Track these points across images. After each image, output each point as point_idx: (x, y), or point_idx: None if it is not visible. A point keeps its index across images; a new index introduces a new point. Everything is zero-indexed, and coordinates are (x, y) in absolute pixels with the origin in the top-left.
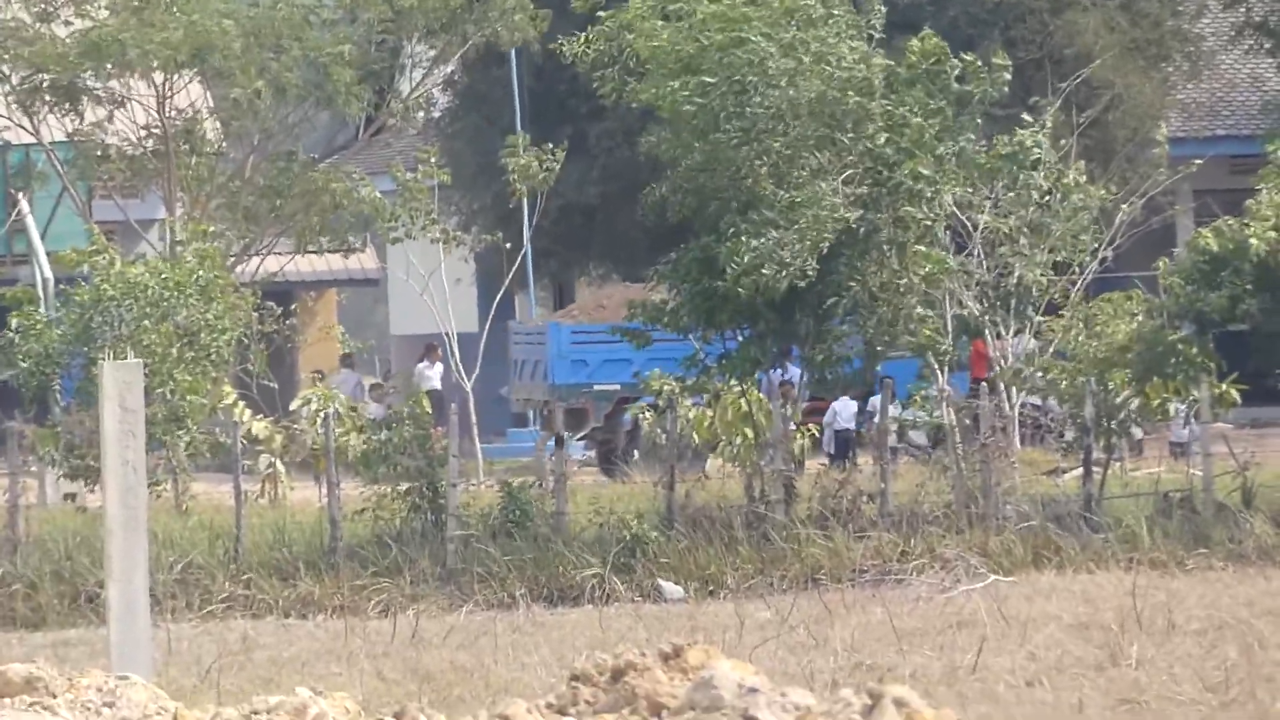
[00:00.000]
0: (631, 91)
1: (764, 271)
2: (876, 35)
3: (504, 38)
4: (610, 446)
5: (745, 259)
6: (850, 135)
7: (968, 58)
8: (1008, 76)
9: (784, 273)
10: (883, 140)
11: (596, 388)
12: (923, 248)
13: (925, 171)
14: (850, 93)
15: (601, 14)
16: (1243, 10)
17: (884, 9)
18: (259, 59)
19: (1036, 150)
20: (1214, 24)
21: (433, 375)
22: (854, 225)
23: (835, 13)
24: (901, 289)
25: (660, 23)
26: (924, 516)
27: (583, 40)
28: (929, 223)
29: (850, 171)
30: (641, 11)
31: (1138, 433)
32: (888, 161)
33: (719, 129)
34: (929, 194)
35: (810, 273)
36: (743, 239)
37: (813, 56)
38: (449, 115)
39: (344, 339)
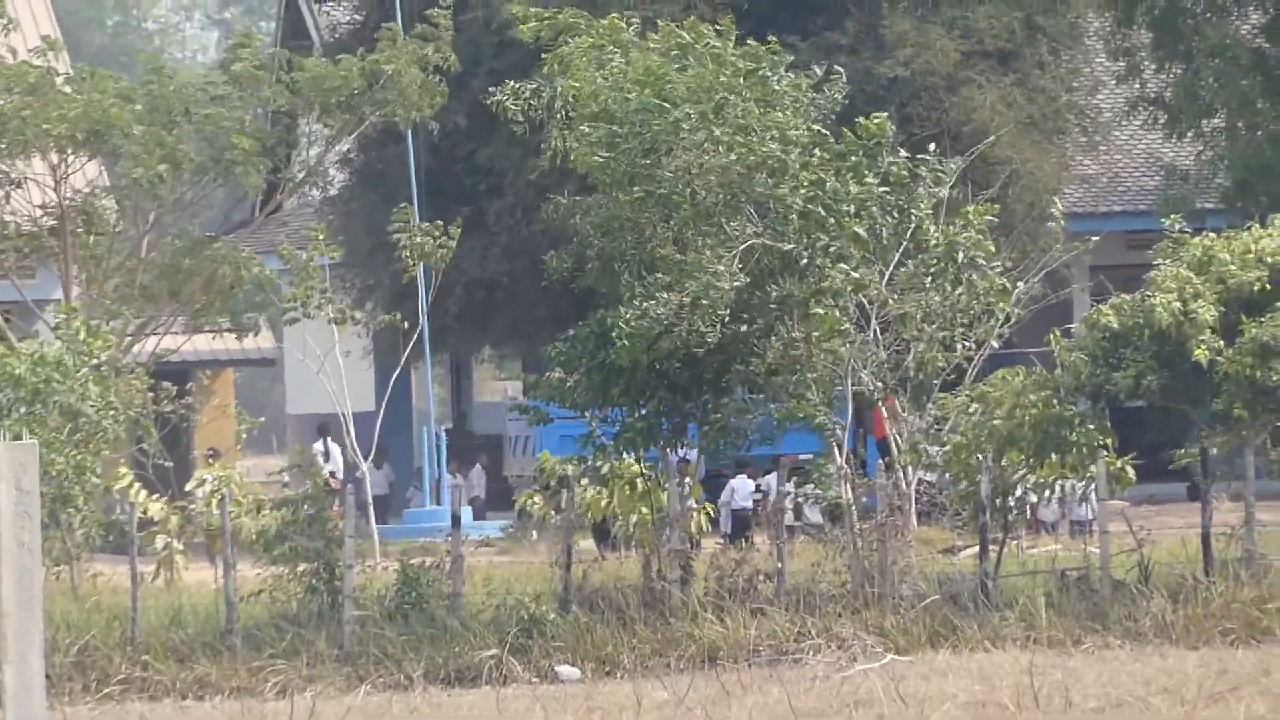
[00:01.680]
0: (554, 138)
1: (646, 325)
2: (829, 113)
3: (401, 116)
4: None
5: (633, 322)
6: (755, 209)
7: (905, 153)
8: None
9: (673, 334)
10: (795, 215)
11: None
12: (822, 310)
13: (832, 246)
14: (763, 171)
15: (545, 54)
16: (1137, 85)
17: (846, 85)
18: (156, 136)
19: (932, 229)
20: (1109, 99)
21: (330, 455)
22: (749, 296)
23: (781, 87)
24: (799, 363)
25: (597, 73)
26: (821, 596)
27: (510, 89)
28: (830, 299)
29: (753, 242)
30: (579, 58)
31: (1052, 513)
32: (795, 235)
33: (627, 189)
34: (833, 272)
35: (710, 340)
36: (636, 301)
37: (733, 128)
38: (346, 193)
39: (241, 416)
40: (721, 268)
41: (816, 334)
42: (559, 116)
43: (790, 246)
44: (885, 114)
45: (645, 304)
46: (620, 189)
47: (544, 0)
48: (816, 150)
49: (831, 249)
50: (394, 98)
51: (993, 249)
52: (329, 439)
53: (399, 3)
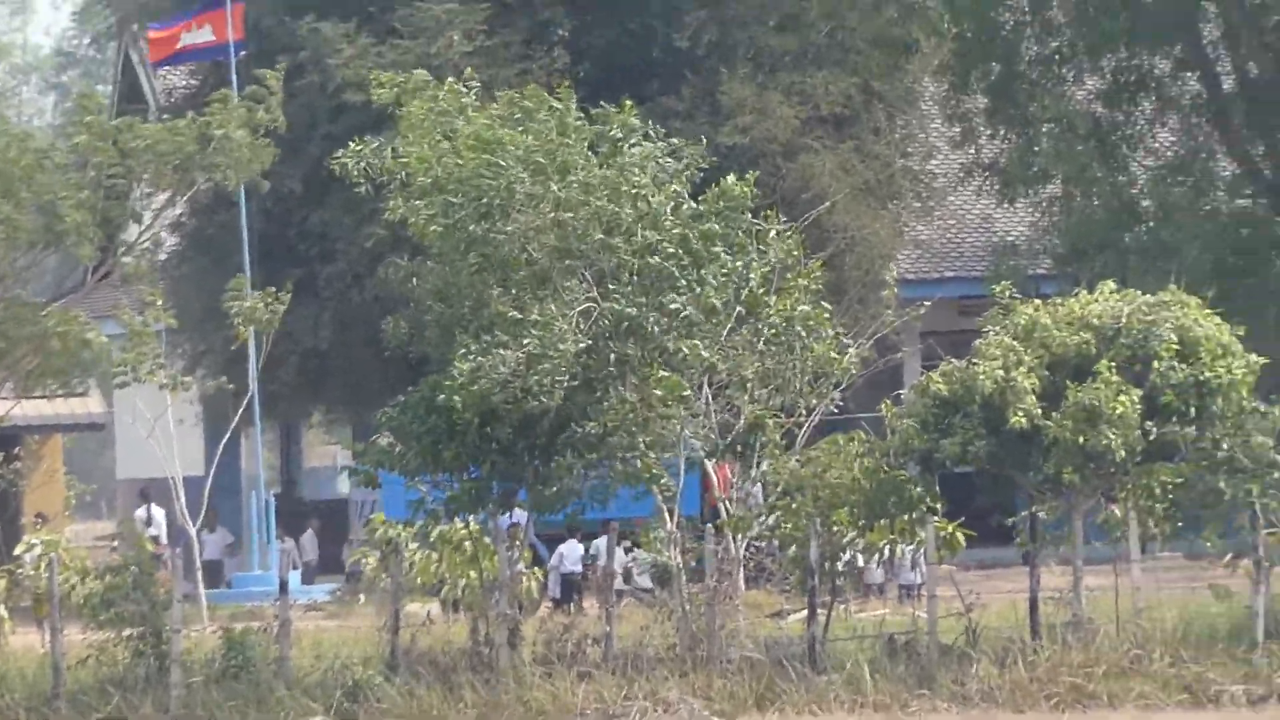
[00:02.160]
0: (390, 210)
1: (482, 384)
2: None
3: (231, 178)
4: None
5: (467, 378)
6: (591, 271)
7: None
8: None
9: (508, 389)
10: (628, 275)
11: None
12: (666, 373)
13: (683, 311)
14: (595, 229)
15: (386, 117)
16: (972, 150)
17: (704, 151)
18: None
19: (769, 298)
20: (944, 164)
21: (153, 520)
22: (586, 358)
23: (629, 151)
24: (635, 427)
25: (439, 138)
26: (649, 659)
27: (353, 151)
28: (672, 364)
29: (588, 306)
30: (419, 122)
31: (878, 575)
32: (634, 298)
33: (464, 256)
34: (680, 343)
35: (550, 402)
36: (470, 358)
37: (579, 187)
38: (177, 258)
39: (70, 482)
40: (565, 325)
41: (657, 396)
42: (398, 181)
43: (633, 311)
44: (751, 175)
45: (480, 359)
46: (458, 255)
47: (384, 68)
48: (669, 212)
49: (682, 314)
50: (223, 160)
51: (827, 317)
52: (152, 505)
53: (234, 67)
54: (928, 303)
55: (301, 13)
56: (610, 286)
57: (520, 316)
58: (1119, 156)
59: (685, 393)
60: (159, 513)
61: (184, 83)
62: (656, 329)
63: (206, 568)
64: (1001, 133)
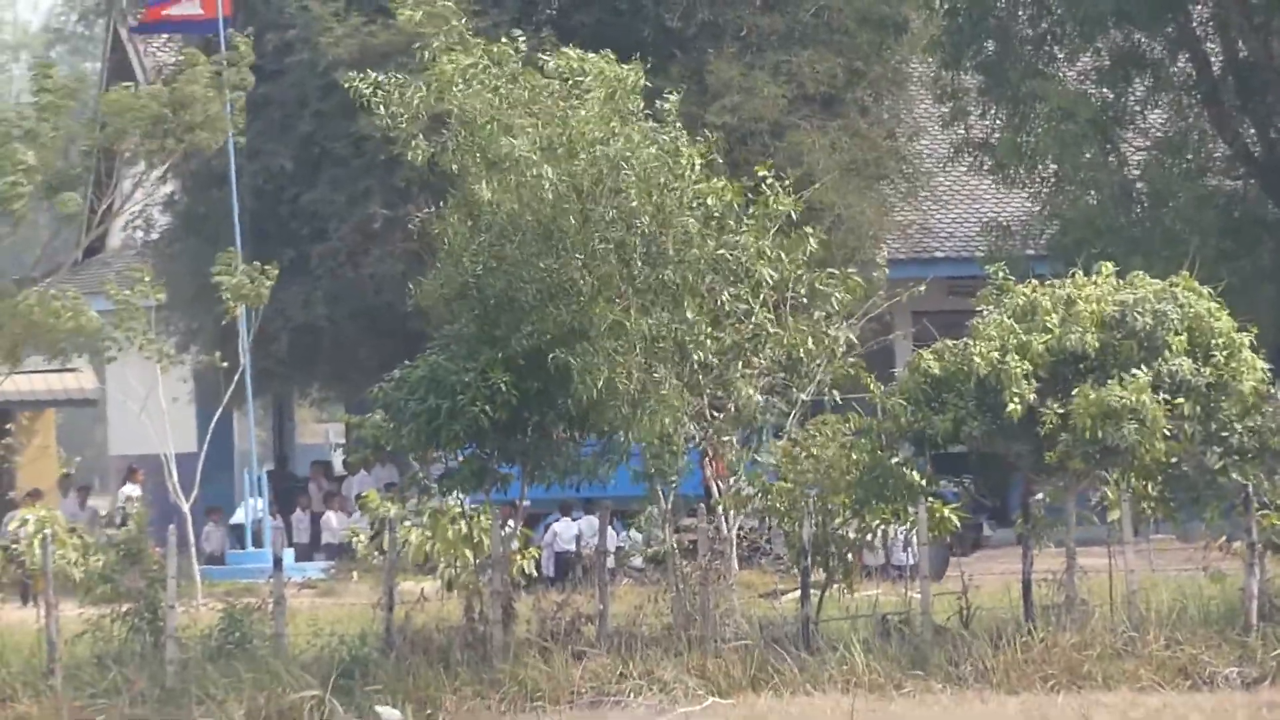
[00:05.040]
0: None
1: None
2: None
3: (205, 142)
4: None
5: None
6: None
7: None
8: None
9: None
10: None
11: None
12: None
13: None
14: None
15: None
16: (962, 129)
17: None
18: None
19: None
20: (933, 144)
21: (135, 497)
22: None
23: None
24: (639, 404)
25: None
26: (643, 638)
27: (371, 82)
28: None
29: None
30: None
31: (878, 557)
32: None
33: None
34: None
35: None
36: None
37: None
38: (168, 236)
39: (63, 459)
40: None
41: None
42: (420, 118)
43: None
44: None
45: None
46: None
47: (374, 47)
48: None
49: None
50: (192, 120)
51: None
52: (137, 484)
53: (224, 43)
54: (924, 283)
55: None
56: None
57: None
58: (1111, 137)
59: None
60: (138, 491)
61: (173, 59)
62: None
63: (209, 559)
64: (993, 111)
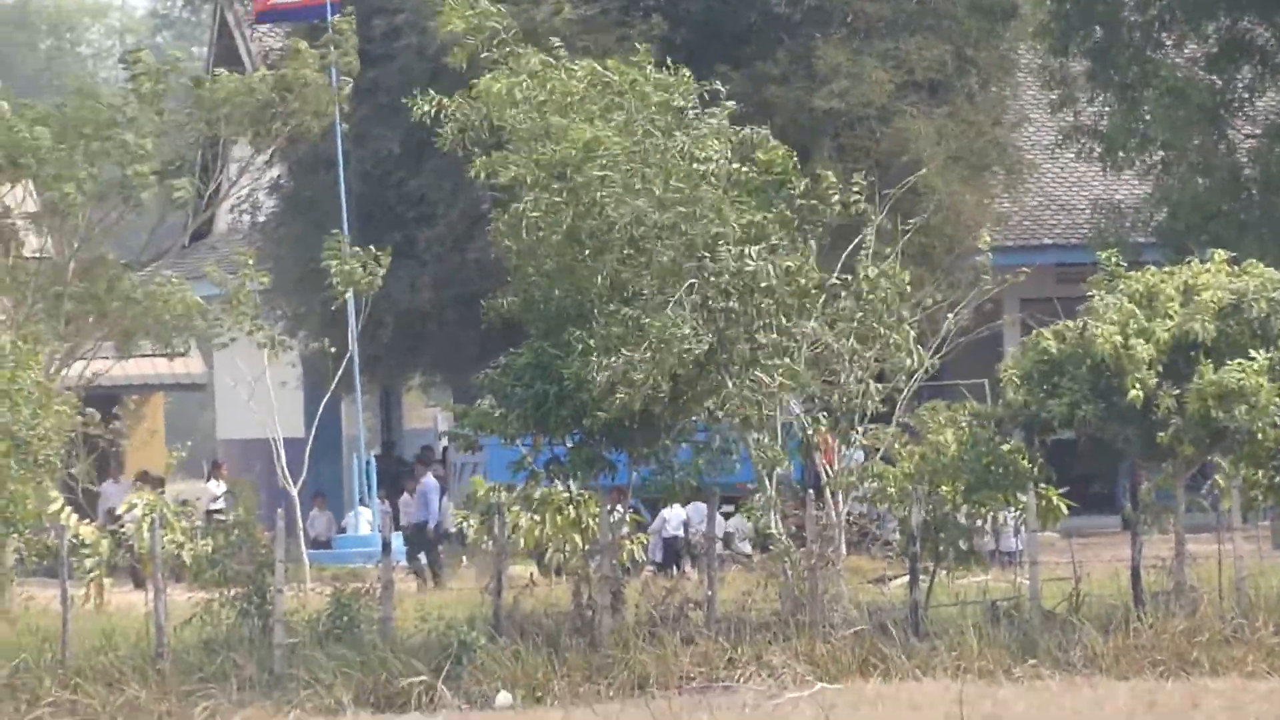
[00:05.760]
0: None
1: (619, 395)
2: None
3: (310, 124)
4: None
5: (601, 378)
6: (706, 256)
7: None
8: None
9: (637, 396)
10: (735, 262)
11: None
12: (777, 360)
13: (776, 288)
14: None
15: (475, 81)
16: (1070, 116)
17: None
18: (65, 160)
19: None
20: (1040, 132)
21: (217, 493)
22: (701, 355)
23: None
24: (747, 408)
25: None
26: (751, 624)
27: (432, 101)
28: (785, 344)
29: (698, 295)
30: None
31: (990, 544)
32: (743, 285)
33: (576, 239)
34: (783, 315)
35: (662, 394)
36: (593, 357)
37: (659, 169)
38: (275, 220)
39: (176, 447)
40: (688, 330)
41: (765, 382)
42: (483, 136)
43: (737, 306)
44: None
45: (606, 360)
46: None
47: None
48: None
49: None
50: (299, 105)
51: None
52: (220, 480)
53: (329, 24)
54: (1027, 269)
55: None
56: (710, 279)
57: (632, 312)
58: (1219, 123)
59: (801, 382)
60: (221, 487)
61: (280, 45)
62: (755, 315)
63: (314, 543)
64: (1101, 97)
